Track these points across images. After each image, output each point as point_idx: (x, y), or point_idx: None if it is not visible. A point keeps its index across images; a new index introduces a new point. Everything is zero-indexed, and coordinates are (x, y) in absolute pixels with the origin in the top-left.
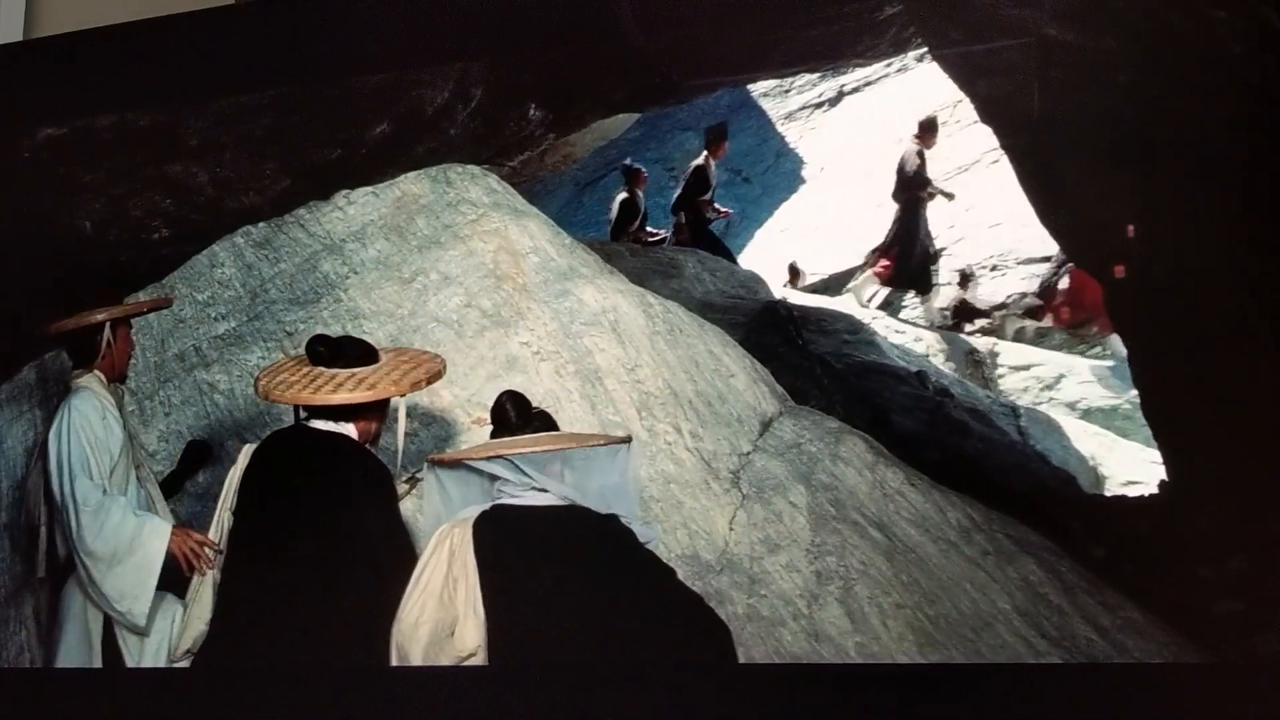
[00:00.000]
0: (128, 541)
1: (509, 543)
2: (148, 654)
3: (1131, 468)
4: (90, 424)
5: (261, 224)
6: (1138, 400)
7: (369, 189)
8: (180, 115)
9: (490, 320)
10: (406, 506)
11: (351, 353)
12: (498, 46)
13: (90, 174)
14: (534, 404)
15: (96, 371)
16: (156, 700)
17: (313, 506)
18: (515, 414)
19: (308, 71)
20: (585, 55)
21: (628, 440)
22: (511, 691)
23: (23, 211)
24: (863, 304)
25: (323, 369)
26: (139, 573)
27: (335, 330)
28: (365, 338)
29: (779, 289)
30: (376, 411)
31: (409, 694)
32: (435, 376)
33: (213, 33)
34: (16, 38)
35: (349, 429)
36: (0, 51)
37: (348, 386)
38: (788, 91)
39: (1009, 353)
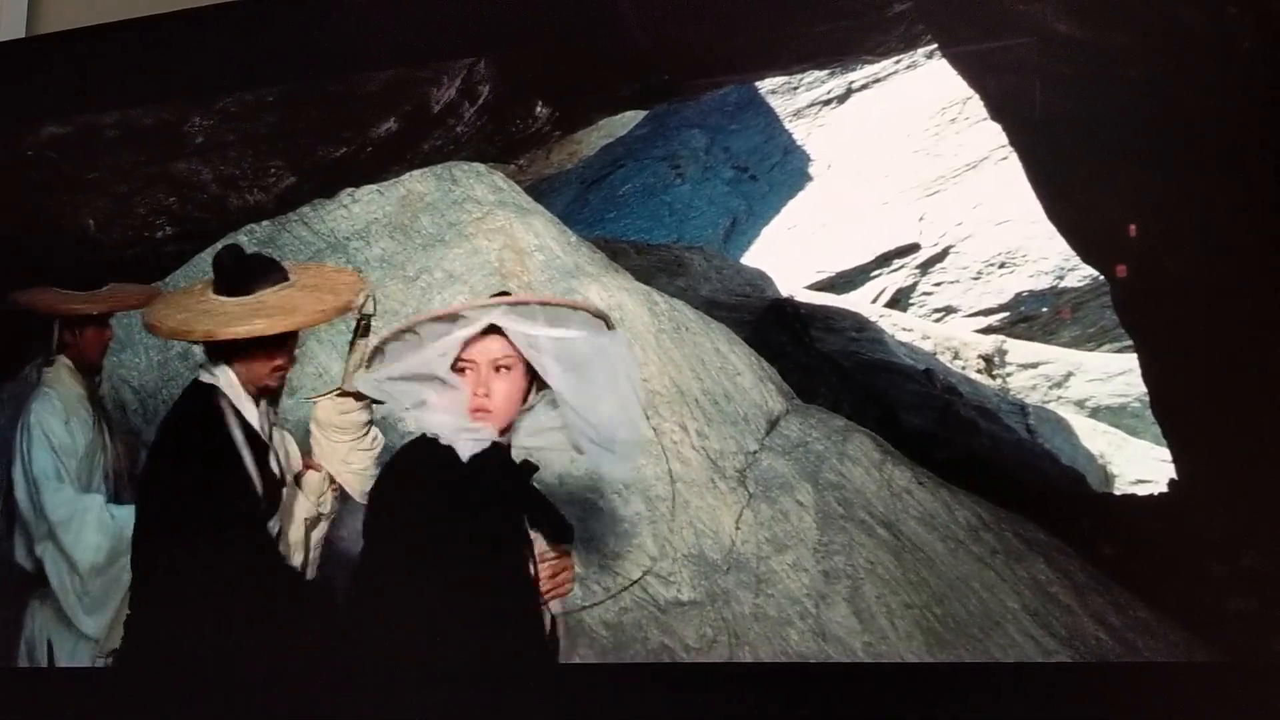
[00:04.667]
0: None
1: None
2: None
3: (1141, 466)
4: (52, 431)
5: (266, 222)
6: (1147, 398)
7: (374, 187)
8: (184, 113)
9: None
10: None
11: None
12: (505, 43)
13: (94, 172)
14: None
15: (64, 361)
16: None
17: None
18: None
19: (313, 68)
20: (592, 52)
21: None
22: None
23: (25, 209)
24: None
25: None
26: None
27: (339, 329)
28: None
29: (788, 286)
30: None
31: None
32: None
33: (217, 29)
34: (19, 34)
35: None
36: (3, 48)
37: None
38: (795, 88)
39: (1017, 350)
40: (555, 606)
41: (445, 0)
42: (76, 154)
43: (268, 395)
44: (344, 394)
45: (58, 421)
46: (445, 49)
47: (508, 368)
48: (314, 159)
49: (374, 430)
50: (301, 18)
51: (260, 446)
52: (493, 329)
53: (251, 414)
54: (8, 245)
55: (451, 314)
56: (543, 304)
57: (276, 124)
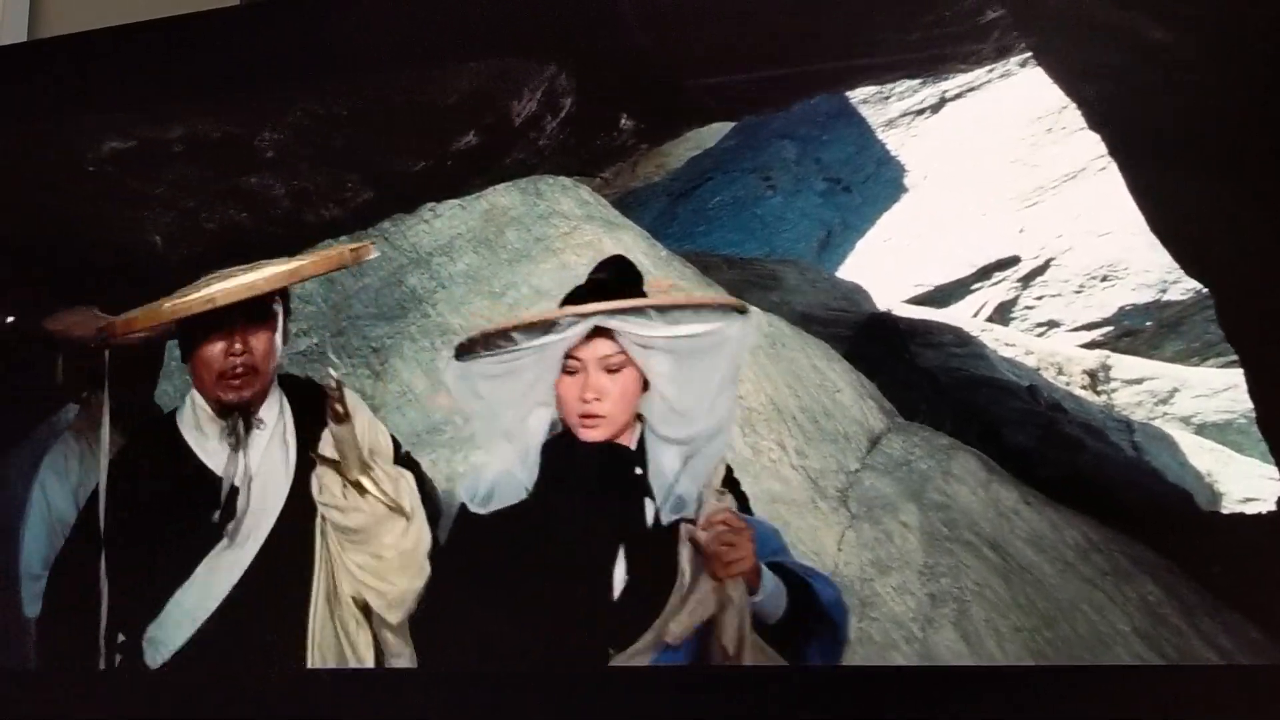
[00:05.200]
0: None
1: None
2: None
3: (1248, 483)
4: (53, 500)
5: (343, 237)
6: (1253, 414)
7: (456, 201)
8: (254, 126)
9: None
10: None
11: None
12: (587, 54)
13: (159, 187)
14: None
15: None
16: None
17: None
18: None
19: (389, 79)
20: (675, 61)
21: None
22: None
23: (87, 228)
24: None
25: None
26: None
27: (424, 345)
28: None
29: (885, 300)
30: None
31: None
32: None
33: (259, 28)
34: (20, 38)
35: None
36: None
37: None
38: (887, 98)
39: (1121, 366)
40: (736, 594)
41: (525, 12)
42: (140, 169)
43: (233, 414)
44: (339, 472)
45: (64, 487)
46: (525, 59)
47: (621, 366)
48: (392, 173)
49: (376, 538)
50: (377, 24)
51: (208, 484)
52: (599, 329)
53: (204, 446)
54: (67, 265)
55: (546, 322)
56: (659, 308)
57: (351, 137)
